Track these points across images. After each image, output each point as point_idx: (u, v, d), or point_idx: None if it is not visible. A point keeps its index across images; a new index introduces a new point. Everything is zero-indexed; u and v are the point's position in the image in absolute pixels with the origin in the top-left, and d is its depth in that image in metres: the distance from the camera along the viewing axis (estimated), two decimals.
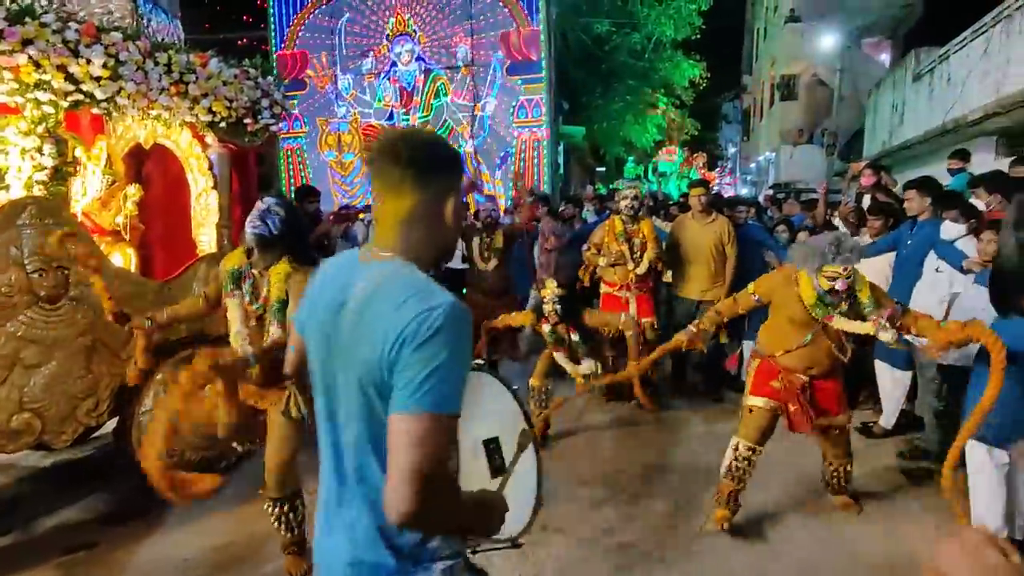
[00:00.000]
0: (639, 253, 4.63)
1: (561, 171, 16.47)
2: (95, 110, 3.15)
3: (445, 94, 10.75)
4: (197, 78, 3.46)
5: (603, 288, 4.94)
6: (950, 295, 3.63)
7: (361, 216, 6.94)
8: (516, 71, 10.41)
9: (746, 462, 2.93)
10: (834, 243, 2.72)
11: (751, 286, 3.12)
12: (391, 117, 10.99)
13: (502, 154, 10.74)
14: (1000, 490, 2.54)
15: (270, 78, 3.97)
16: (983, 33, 7.87)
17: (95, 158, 3.46)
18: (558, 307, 3.87)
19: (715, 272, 4.77)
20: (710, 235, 4.73)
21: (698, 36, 17.40)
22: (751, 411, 2.99)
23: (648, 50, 16.56)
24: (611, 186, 13.76)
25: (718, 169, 35.69)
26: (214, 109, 3.61)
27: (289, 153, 11.35)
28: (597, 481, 3.58)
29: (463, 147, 10.79)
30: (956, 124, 7.77)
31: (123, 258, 3.67)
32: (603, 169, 22.84)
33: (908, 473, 3.62)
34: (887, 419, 4.12)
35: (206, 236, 3.95)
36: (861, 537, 2.99)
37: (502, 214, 7.69)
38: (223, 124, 3.72)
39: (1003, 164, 6.56)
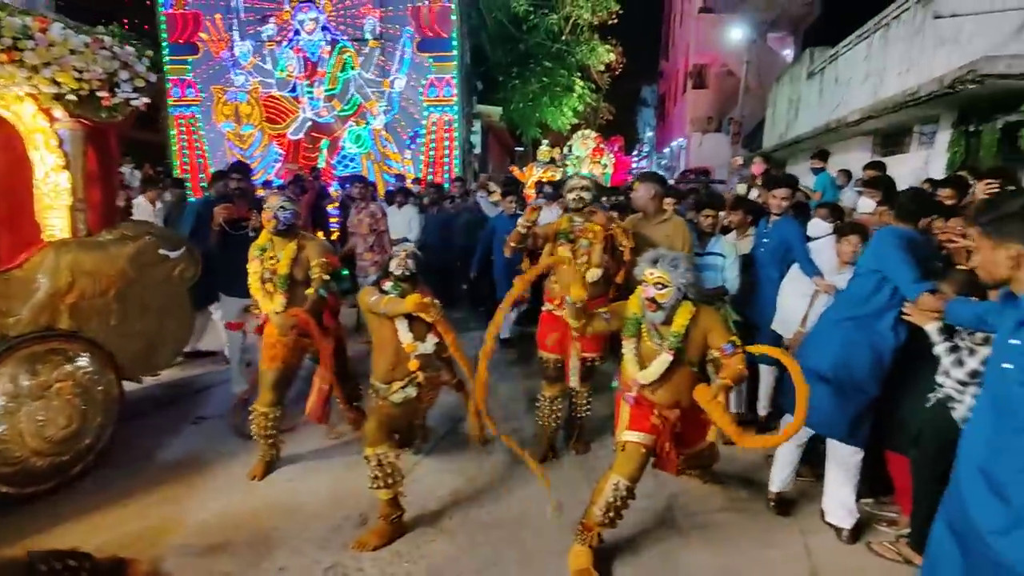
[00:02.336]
0: (585, 259, 3.56)
1: (479, 150, 16.34)
2: None
3: (352, 67, 10.30)
4: (36, 45, 3.09)
5: (544, 304, 3.80)
6: (814, 290, 3.82)
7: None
8: (427, 47, 10.12)
9: (623, 502, 2.63)
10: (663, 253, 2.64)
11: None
12: (294, 89, 10.43)
13: (412, 133, 10.46)
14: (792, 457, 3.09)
15: (129, 48, 3.60)
16: (866, 38, 8.40)
17: None
18: (410, 262, 3.11)
19: None
20: (660, 238, 3.61)
21: (615, 21, 17.60)
22: (625, 448, 2.70)
23: (565, 32, 16.60)
24: (523, 168, 13.77)
25: (634, 153, 36.56)
26: (59, 80, 3.24)
27: (181, 122, 10.55)
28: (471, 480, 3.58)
29: (371, 124, 10.44)
30: (838, 123, 8.28)
31: None
32: (520, 149, 22.85)
33: None
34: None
35: (56, 220, 3.57)
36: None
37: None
38: (72, 97, 3.35)
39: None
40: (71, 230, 3.60)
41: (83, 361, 3.49)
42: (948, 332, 2.34)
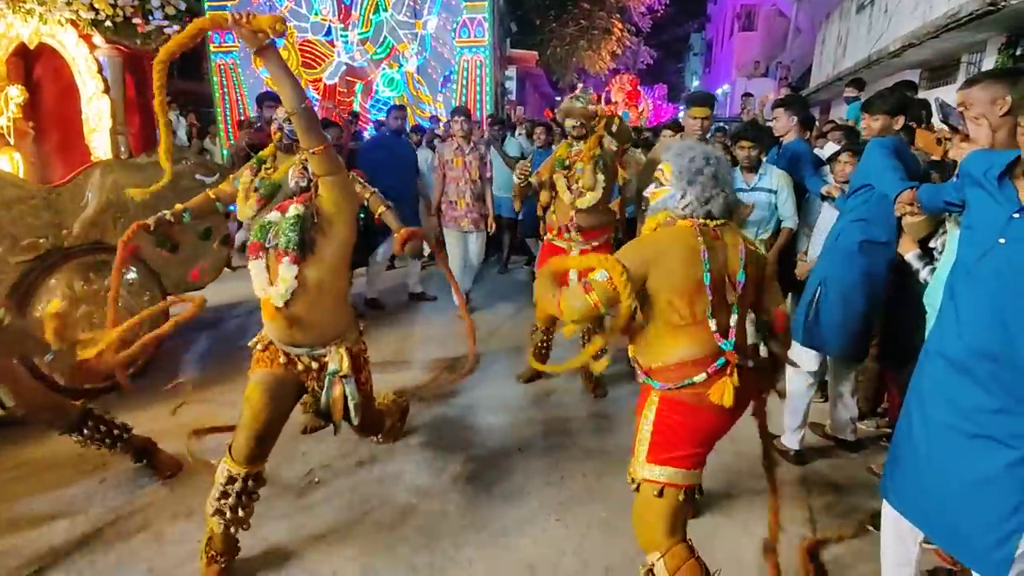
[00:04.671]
0: (580, 184, 3.36)
1: (513, 95, 16.17)
2: None
3: (385, 8, 10.31)
4: None
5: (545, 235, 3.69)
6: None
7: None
8: None
9: None
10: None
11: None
12: (328, 32, 10.52)
13: (445, 74, 10.46)
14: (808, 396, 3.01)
15: None
16: None
17: None
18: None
19: None
20: None
21: None
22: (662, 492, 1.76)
23: None
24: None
25: (680, 101, 35.39)
26: (96, 6, 3.47)
27: (222, 68, 10.82)
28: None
29: (404, 66, 10.48)
30: (879, 55, 7.90)
31: (8, 161, 3.59)
32: (559, 98, 22.46)
33: None
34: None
35: (99, 142, 3.86)
36: None
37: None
38: (108, 23, 3.58)
39: (927, 97, 6.77)
40: (113, 152, 3.89)
41: (131, 275, 3.82)
42: (928, 257, 2.35)
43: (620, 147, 3.43)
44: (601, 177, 3.35)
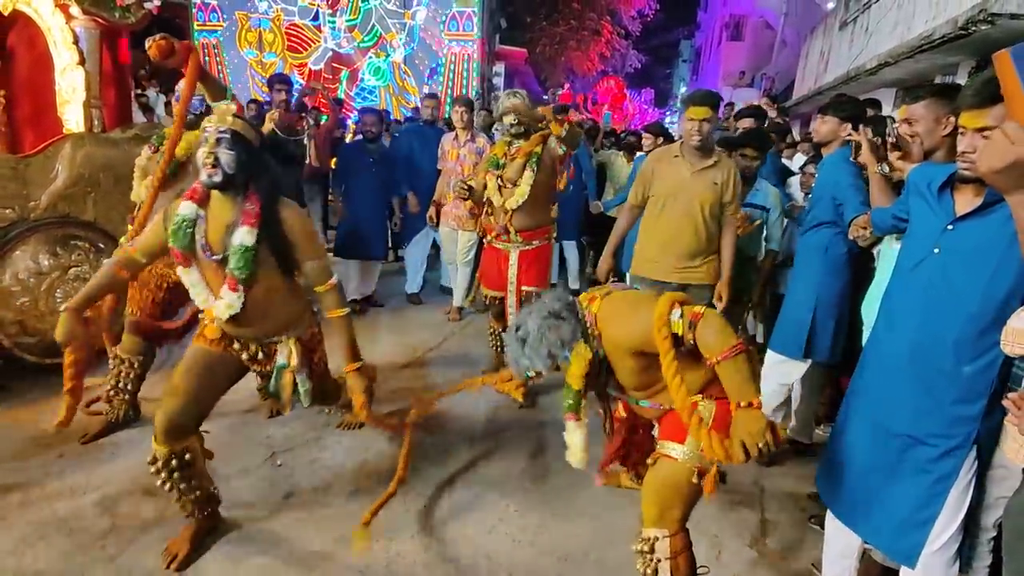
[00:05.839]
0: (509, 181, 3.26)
1: (501, 92, 16.18)
2: None
3: None
4: None
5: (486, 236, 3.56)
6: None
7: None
8: None
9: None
10: None
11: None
12: (316, 17, 10.45)
13: (432, 67, 10.46)
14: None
15: None
16: None
17: None
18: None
19: (704, 242, 3.02)
20: (702, 186, 2.97)
21: None
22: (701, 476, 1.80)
23: None
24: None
25: (667, 108, 35.73)
26: None
27: (205, 48, 10.67)
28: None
29: (391, 56, 10.45)
30: (858, 72, 8.08)
31: None
32: (546, 97, 22.51)
33: None
34: None
35: (72, 115, 3.80)
36: None
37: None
38: None
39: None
40: (86, 125, 3.83)
41: (102, 248, 3.76)
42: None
43: (567, 152, 3.31)
44: (530, 174, 3.20)
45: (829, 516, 1.99)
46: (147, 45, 2.40)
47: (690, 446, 1.76)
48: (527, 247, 3.36)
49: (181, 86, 2.79)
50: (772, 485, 2.95)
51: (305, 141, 4.61)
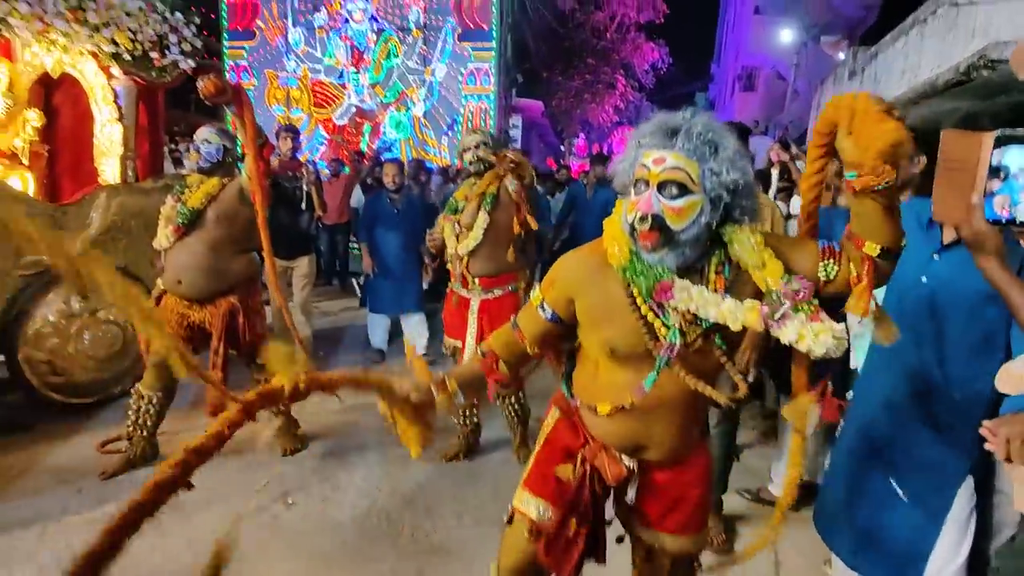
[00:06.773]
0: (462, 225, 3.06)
1: (518, 144, 16.64)
2: None
3: (396, 55, 10.77)
4: (97, 6, 3.54)
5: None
6: None
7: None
8: (467, 38, 10.49)
9: None
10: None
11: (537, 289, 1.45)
12: (341, 76, 10.96)
13: (450, 121, 10.84)
14: None
15: (179, 15, 4.05)
16: (904, 34, 8.30)
17: None
18: None
19: None
20: None
21: (662, 21, 17.60)
22: (510, 521, 1.54)
23: (610, 29, 16.74)
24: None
25: None
26: (116, 40, 3.69)
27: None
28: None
29: (411, 110, 10.88)
30: None
31: (20, 181, 3.76)
32: (563, 148, 23.06)
33: None
34: None
35: (109, 166, 4.04)
36: None
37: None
38: (127, 57, 3.80)
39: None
40: (121, 176, 4.07)
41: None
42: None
43: (522, 186, 3.01)
44: (483, 216, 2.95)
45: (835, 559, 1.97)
46: (199, 83, 2.47)
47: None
48: (488, 295, 3.09)
49: (200, 134, 3.04)
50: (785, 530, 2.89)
51: (305, 187, 4.70)
